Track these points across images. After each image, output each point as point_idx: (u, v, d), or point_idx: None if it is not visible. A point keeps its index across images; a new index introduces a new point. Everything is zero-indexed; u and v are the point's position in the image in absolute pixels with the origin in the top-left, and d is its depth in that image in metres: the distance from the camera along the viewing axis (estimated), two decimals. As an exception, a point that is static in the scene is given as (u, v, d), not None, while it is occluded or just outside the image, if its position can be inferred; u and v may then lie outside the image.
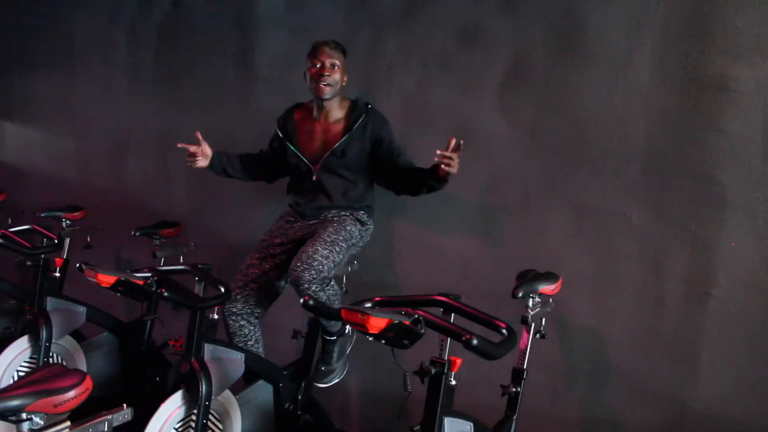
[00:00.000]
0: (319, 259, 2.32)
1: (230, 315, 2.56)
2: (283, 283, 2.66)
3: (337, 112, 2.61)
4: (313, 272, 2.29)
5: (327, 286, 2.36)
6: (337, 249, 2.41)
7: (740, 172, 2.18)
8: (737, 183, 2.19)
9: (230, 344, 2.51)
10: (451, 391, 1.76)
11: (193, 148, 2.61)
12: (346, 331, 2.59)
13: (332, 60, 2.52)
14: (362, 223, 2.59)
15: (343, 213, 2.58)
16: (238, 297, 2.56)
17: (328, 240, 2.41)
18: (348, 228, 2.51)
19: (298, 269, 2.30)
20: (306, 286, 2.29)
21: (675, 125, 2.29)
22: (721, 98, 2.19)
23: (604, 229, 2.44)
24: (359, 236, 2.58)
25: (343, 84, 2.58)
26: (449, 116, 2.76)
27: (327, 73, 2.50)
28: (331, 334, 2.54)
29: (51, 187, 4.35)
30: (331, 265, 2.38)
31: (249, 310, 2.57)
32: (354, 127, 2.54)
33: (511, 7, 2.59)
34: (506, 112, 2.63)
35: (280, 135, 2.68)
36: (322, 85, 2.51)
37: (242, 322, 2.56)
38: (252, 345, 2.59)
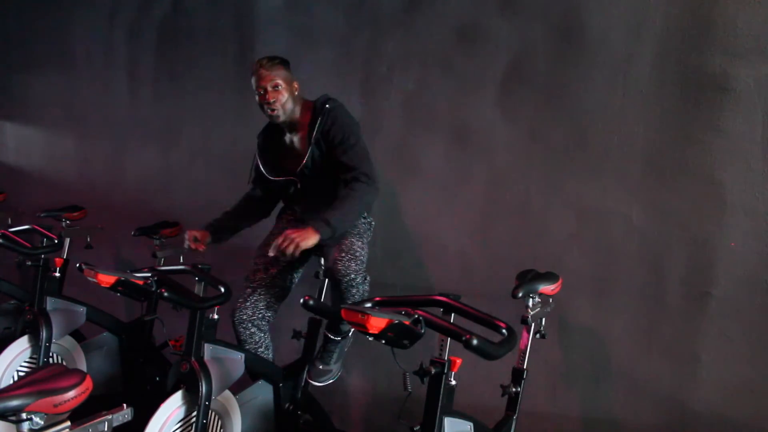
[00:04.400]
0: (358, 249, 2.33)
1: (240, 323, 2.53)
2: (289, 284, 2.65)
3: (299, 121, 2.52)
4: (358, 262, 2.29)
5: (366, 279, 2.36)
6: (364, 241, 2.42)
7: (740, 172, 2.18)
8: (737, 183, 2.19)
9: (231, 344, 2.50)
10: (451, 391, 1.76)
11: (194, 245, 2.65)
12: (351, 333, 2.59)
13: (273, 81, 2.41)
14: (363, 218, 2.59)
15: None
16: (247, 304, 2.54)
17: (355, 232, 2.40)
18: (359, 223, 2.51)
19: (344, 259, 2.27)
20: (353, 276, 2.27)
21: (675, 125, 2.28)
22: (721, 98, 2.19)
23: (604, 229, 2.44)
24: (367, 231, 2.58)
25: (295, 95, 2.48)
26: (449, 116, 2.76)
27: (272, 99, 2.41)
28: (338, 334, 2.53)
29: (51, 187, 4.36)
30: (366, 257, 2.38)
31: (260, 315, 2.55)
32: (314, 135, 2.45)
33: (511, 7, 2.59)
34: (506, 112, 2.63)
35: (260, 163, 2.64)
36: (271, 112, 2.44)
37: (253, 329, 2.54)
38: (263, 352, 2.58)
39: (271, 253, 2.22)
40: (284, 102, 2.44)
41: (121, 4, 3.91)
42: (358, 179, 2.35)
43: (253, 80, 2.47)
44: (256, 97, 2.49)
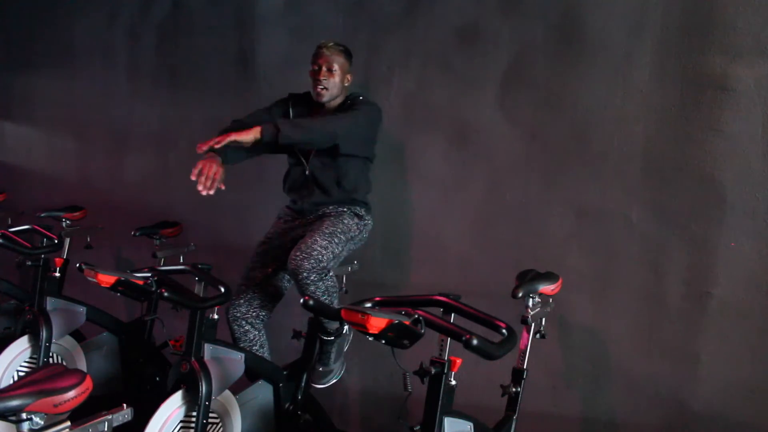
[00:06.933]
0: (318, 249, 2.32)
1: (234, 320, 2.55)
2: (285, 283, 2.66)
3: (334, 109, 2.60)
4: (313, 261, 2.29)
5: (326, 276, 2.35)
6: (336, 240, 2.41)
7: (740, 172, 2.18)
8: (737, 183, 2.19)
9: (231, 344, 2.51)
10: (451, 391, 1.76)
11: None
12: (344, 332, 2.58)
13: (330, 63, 2.50)
14: (360, 217, 2.59)
15: (340, 208, 2.58)
16: (242, 301, 2.55)
17: (326, 231, 2.41)
18: (345, 221, 2.51)
19: (298, 258, 2.29)
20: (305, 274, 2.28)
21: (675, 125, 2.28)
22: (721, 98, 2.19)
23: (604, 229, 2.44)
24: (357, 230, 2.57)
25: (346, 85, 2.57)
26: (449, 116, 2.76)
27: (324, 78, 2.50)
28: (329, 334, 2.53)
29: (51, 187, 4.36)
30: (330, 255, 2.37)
31: (254, 314, 2.56)
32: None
33: (511, 7, 2.59)
34: (506, 112, 2.63)
35: (290, 113, 2.64)
36: (318, 89, 2.51)
37: (247, 327, 2.55)
38: (257, 350, 2.59)
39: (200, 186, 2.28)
40: (333, 85, 2.52)
41: (121, 4, 3.91)
42: (348, 113, 2.46)
43: (313, 56, 2.56)
44: (309, 72, 2.56)
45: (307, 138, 2.41)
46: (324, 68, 2.50)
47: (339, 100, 2.59)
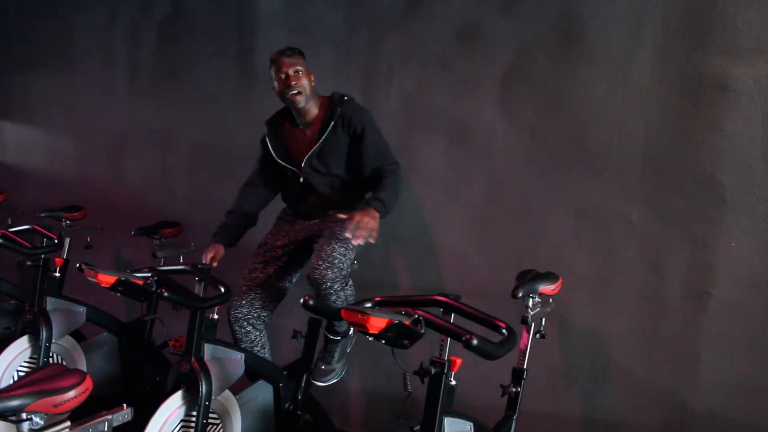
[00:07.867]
0: (339, 257, 2.32)
1: (236, 321, 2.55)
2: (287, 284, 2.65)
3: (313, 112, 2.56)
4: (336, 270, 2.29)
5: (347, 285, 2.36)
6: (350, 246, 2.40)
7: (740, 172, 2.18)
8: (737, 183, 2.19)
9: (231, 344, 2.51)
10: (451, 391, 1.76)
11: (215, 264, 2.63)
12: (351, 332, 2.59)
13: (294, 67, 2.48)
14: None
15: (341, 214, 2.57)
16: (243, 302, 2.55)
17: (341, 238, 2.39)
18: None
19: (321, 267, 2.28)
20: (329, 284, 2.28)
21: (675, 125, 2.29)
22: (721, 98, 2.20)
23: (604, 229, 2.44)
24: None
25: (312, 84, 2.55)
26: (449, 116, 2.76)
27: (294, 82, 2.47)
28: (337, 334, 2.53)
29: (51, 187, 4.36)
30: (348, 262, 2.38)
31: (255, 315, 2.56)
32: (330, 123, 2.49)
33: (511, 7, 2.59)
34: (506, 112, 2.63)
35: (269, 146, 2.64)
36: (293, 95, 2.48)
37: (248, 328, 2.55)
38: (258, 351, 2.59)
39: (356, 242, 2.22)
40: (304, 86, 2.50)
41: (121, 4, 3.91)
42: (392, 166, 2.51)
43: (272, 70, 2.53)
44: (275, 84, 2.53)
45: (397, 201, 2.48)
46: (291, 73, 2.48)
47: (315, 103, 2.54)
